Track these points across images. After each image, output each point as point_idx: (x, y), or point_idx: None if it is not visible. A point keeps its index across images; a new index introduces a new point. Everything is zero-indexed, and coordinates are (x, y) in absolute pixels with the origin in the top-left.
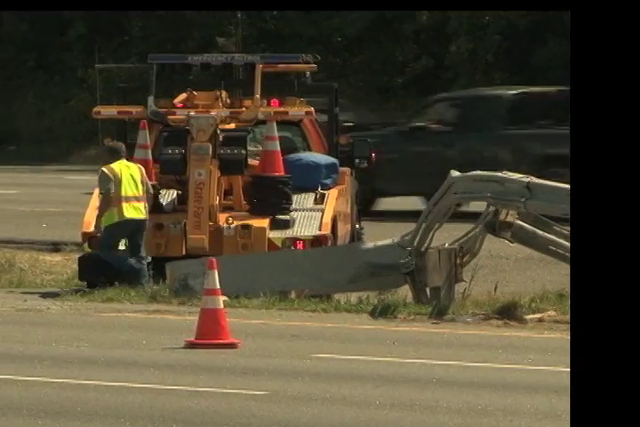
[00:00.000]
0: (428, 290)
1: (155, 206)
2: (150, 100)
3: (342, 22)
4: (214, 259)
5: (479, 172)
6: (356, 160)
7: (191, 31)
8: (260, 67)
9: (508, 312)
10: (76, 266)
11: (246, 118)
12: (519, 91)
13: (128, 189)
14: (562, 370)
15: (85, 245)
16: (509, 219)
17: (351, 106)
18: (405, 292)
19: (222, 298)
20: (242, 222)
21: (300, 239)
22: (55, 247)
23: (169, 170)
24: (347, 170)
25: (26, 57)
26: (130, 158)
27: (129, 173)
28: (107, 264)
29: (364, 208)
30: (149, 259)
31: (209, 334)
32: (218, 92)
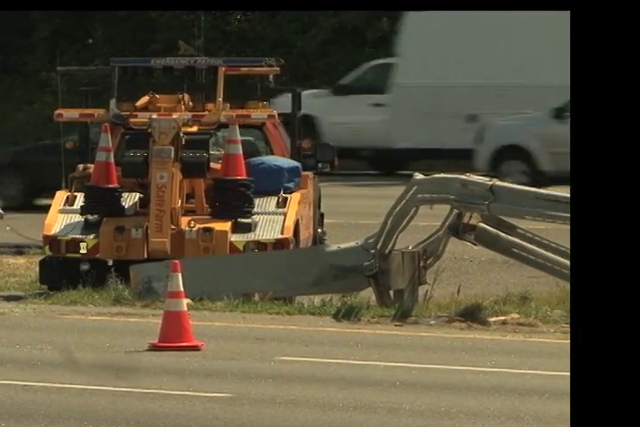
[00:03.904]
0: (391, 292)
1: (116, 209)
2: (112, 103)
3: (303, 37)
4: (178, 261)
5: (442, 174)
6: (319, 164)
7: (155, 34)
8: (222, 70)
9: (472, 315)
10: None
11: (208, 122)
12: None
13: None
14: (525, 372)
15: (47, 248)
16: (473, 221)
17: None
18: (369, 294)
19: (186, 301)
20: (204, 226)
21: (261, 243)
22: (18, 250)
23: (131, 173)
24: (309, 174)
25: None
26: None
27: None
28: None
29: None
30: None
31: (172, 336)
32: (180, 95)
